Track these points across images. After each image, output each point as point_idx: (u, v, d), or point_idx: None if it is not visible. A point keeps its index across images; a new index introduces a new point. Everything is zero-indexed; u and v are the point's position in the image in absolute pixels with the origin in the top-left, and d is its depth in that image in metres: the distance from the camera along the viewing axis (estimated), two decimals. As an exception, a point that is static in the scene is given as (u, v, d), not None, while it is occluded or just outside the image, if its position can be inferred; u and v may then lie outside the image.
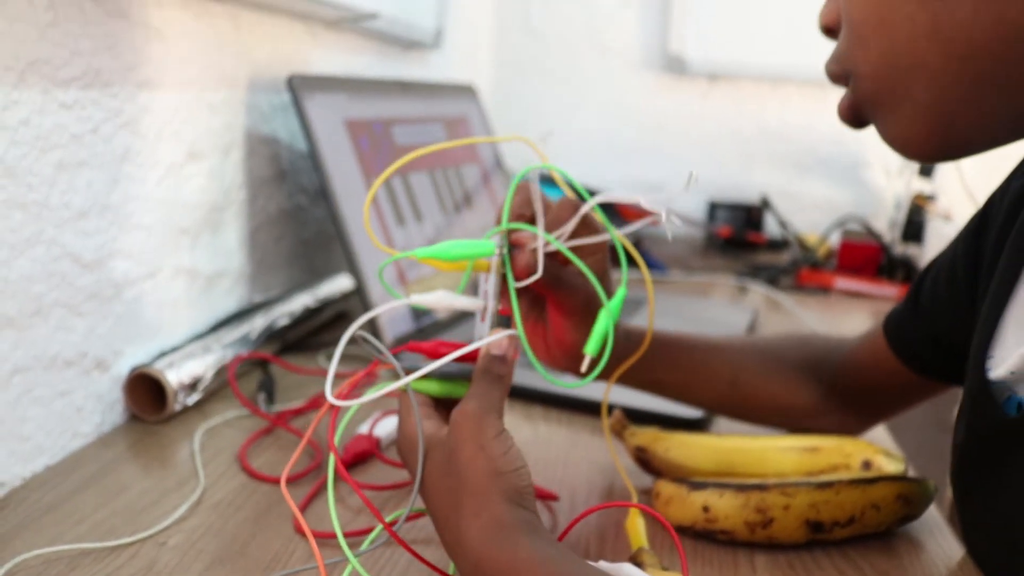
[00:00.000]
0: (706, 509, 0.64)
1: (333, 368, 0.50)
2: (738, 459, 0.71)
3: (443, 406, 0.55)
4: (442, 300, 0.56)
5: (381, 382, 0.53)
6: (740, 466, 0.71)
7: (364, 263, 0.92)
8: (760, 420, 0.79)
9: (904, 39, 0.48)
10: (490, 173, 1.27)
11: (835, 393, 0.78)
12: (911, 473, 0.72)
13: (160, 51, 0.79)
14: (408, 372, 0.51)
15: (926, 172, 1.58)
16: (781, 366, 0.78)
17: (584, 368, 0.59)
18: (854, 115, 0.54)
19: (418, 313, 0.99)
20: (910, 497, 0.66)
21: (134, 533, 0.59)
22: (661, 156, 1.84)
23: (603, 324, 0.58)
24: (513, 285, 0.56)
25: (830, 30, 0.54)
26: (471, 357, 0.53)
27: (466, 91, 1.31)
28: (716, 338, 0.79)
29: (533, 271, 0.57)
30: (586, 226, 0.60)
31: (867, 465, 0.71)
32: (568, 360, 0.65)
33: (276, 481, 0.67)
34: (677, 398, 0.76)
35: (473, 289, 0.60)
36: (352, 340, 0.53)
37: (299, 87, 0.92)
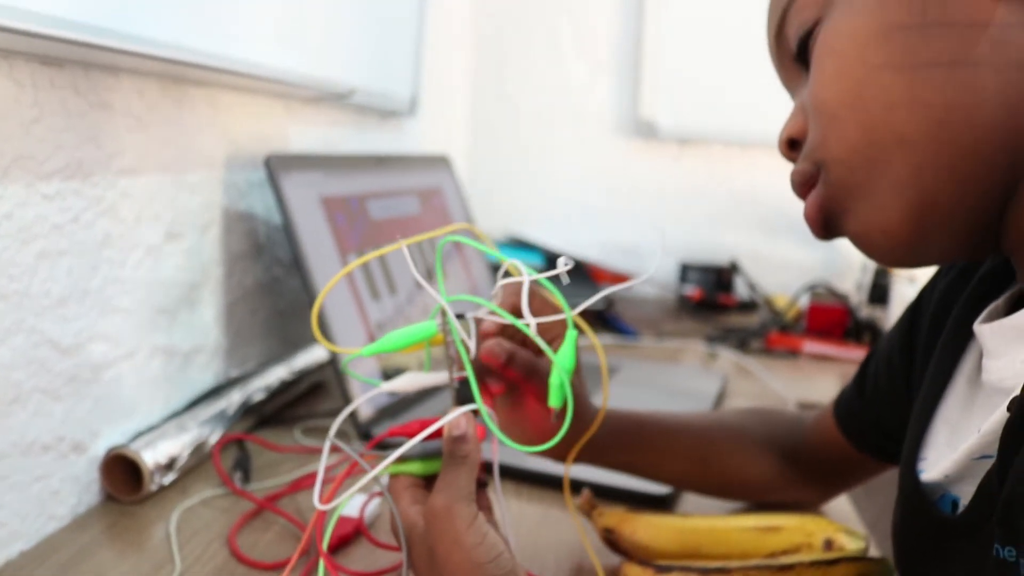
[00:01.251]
0: (671, 593, 0.65)
1: (321, 472, 0.51)
2: (703, 540, 0.73)
3: (429, 482, 0.56)
4: (411, 382, 0.58)
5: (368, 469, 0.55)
6: (705, 547, 0.73)
7: (337, 334, 0.94)
8: (728, 495, 0.82)
9: (880, 110, 0.46)
10: (463, 243, 1.29)
11: (795, 468, 0.80)
12: (873, 549, 0.74)
13: (141, 138, 0.81)
14: (387, 464, 0.53)
15: (891, 236, 1.62)
16: (746, 443, 0.80)
17: (554, 419, 0.59)
18: (824, 216, 0.52)
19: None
20: (870, 576, 0.68)
21: (109, 624, 0.60)
22: (634, 219, 1.87)
23: (556, 376, 0.58)
24: (467, 359, 0.57)
25: (794, 142, 0.54)
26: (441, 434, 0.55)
27: (440, 162, 1.34)
28: (685, 416, 0.81)
29: (496, 357, 0.61)
30: (547, 306, 0.63)
31: (829, 544, 0.73)
32: (544, 443, 0.65)
33: (263, 567, 0.68)
34: (649, 476, 0.79)
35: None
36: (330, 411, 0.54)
37: (276, 167, 0.94)
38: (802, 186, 0.53)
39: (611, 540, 0.73)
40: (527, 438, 0.68)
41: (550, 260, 1.65)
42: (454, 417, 0.53)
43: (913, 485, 0.54)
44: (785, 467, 0.80)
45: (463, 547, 0.49)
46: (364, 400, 0.84)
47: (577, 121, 1.88)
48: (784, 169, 1.80)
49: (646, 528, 0.73)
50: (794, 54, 0.53)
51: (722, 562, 0.68)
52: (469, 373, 0.57)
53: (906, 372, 0.67)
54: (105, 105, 0.76)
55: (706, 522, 0.75)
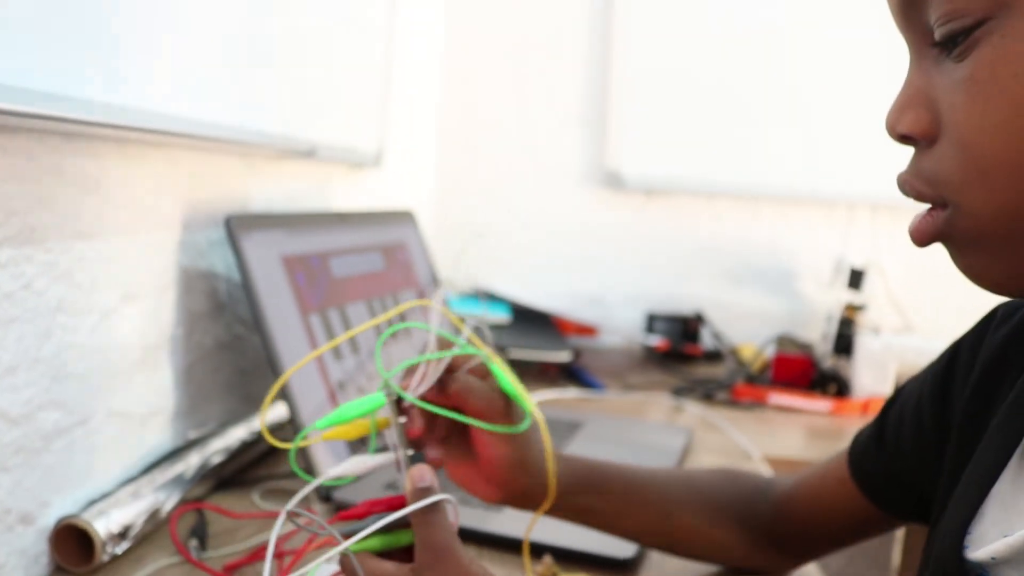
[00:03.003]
0: (631, 666, 0.64)
1: (271, 547, 0.51)
2: (665, 608, 0.72)
3: (388, 558, 0.55)
4: (357, 465, 0.59)
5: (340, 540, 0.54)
6: (667, 615, 0.72)
7: (298, 395, 0.93)
8: (691, 554, 0.80)
9: None
10: (428, 296, 1.29)
11: (765, 532, 0.78)
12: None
13: (96, 201, 0.80)
14: (345, 538, 0.53)
15: (855, 285, 1.63)
16: (714, 504, 0.78)
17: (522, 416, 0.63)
18: (932, 241, 0.47)
19: (354, 450, 0.99)
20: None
21: None
22: (600, 269, 1.88)
23: (497, 373, 0.62)
24: (398, 422, 0.59)
25: (910, 139, 0.47)
26: (399, 504, 0.55)
27: (404, 216, 1.34)
28: (650, 469, 0.79)
29: (424, 428, 0.61)
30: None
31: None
32: (503, 484, 0.66)
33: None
34: (608, 529, 0.76)
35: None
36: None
37: (236, 227, 0.94)
38: (915, 198, 0.47)
39: (572, 608, 0.73)
40: (485, 485, 0.67)
41: (518, 312, 1.65)
42: (416, 469, 0.55)
43: (956, 562, 0.51)
44: (754, 533, 0.78)
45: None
46: (308, 489, 0.83)
47: (544, 172, 1.89)
48: (748, 221, 1.82)
49: (607, 597, 0.72)
50: (932, 37, 0.45)
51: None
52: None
53: (939, 426, 0.63)
54: (59, 170, 0.75)
55: (668, 589, 0.74)
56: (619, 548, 0.84)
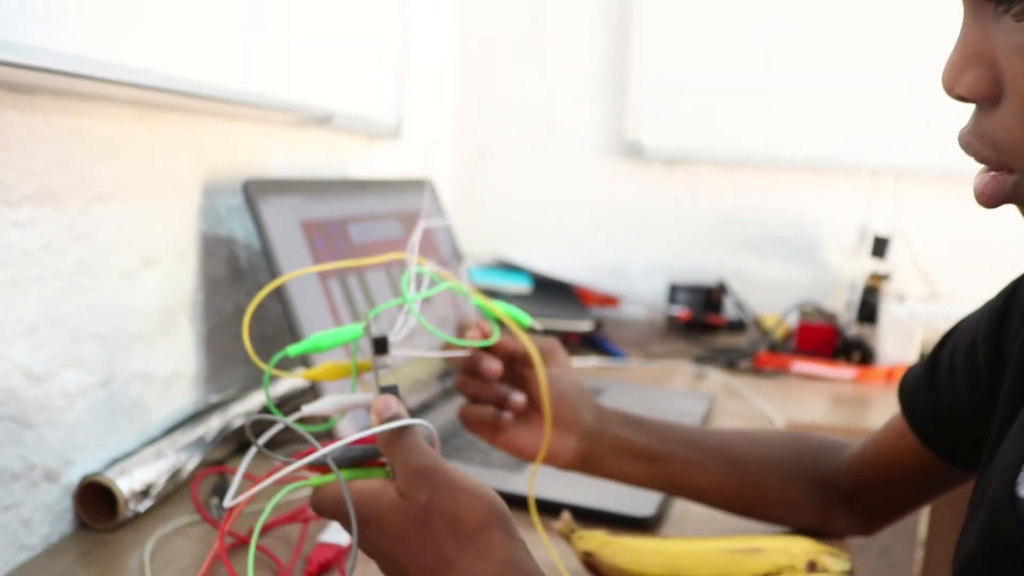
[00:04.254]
0: (649, 617, 0.64)
1: (239, 475, 0.51)
2: (683, 563, 0.72)
3: None
4: (335, 402, 0.58)
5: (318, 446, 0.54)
6: (685, 570, 0.72)
7: (318, 361, 0.93)
8: (763, 516, 0.80)
9: None
10: (448, 265, 1.29)
11: (839, 494, 0.77)
12: (860, 573, 0.73)
13: (114, 165, 0.81)
14: (316, 470, 0.52)
15: (879, 253, 1.62)
16: (785, 462, 0.78)
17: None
18: (999, 204, 0.45)
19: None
20: (853, 598, 0.67)
21: (75, 655, 0.59)
22: (621, 240, 1.87)
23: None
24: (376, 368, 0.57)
25: (967, 100, 0.45)
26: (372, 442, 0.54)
27: (422, 185, 1.34)
28: (717, 430, 0.81)
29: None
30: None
31: (812, 566, 0.72)
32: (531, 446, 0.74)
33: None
34: (675, 491, 0.79)
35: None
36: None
37: (254, 192, 0.94)
38: (978, 160, 0.46)
39: (590, 564, 0.73)
40: (515, 444, 0.74)
41: (538, 283, 1.64)
42: (380, 400, 0.53)
43: (1008, 500, 0.50)
44: (826, 492, 0.78)
45: (467, 490, 0.48)
46: (280, 426, 0.82)
47: (563, 142, 1.88)
48: (770, 190, 1.79)
49: (626, 551, 0.72)
50: None
51: (700, 584, 0.67)
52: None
53: (992, 368, 0.62)
54: (77, 132, 0.75)
55: (687, 545, 0.74)
56: (639, 506, 0.84)
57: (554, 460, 0.75)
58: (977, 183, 0.45)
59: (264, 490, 0.51)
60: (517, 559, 0.47)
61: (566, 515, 0.75)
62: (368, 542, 0.50)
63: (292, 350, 0.59)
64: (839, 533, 0.80)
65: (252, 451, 0.55)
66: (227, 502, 0.51)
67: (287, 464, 0.52)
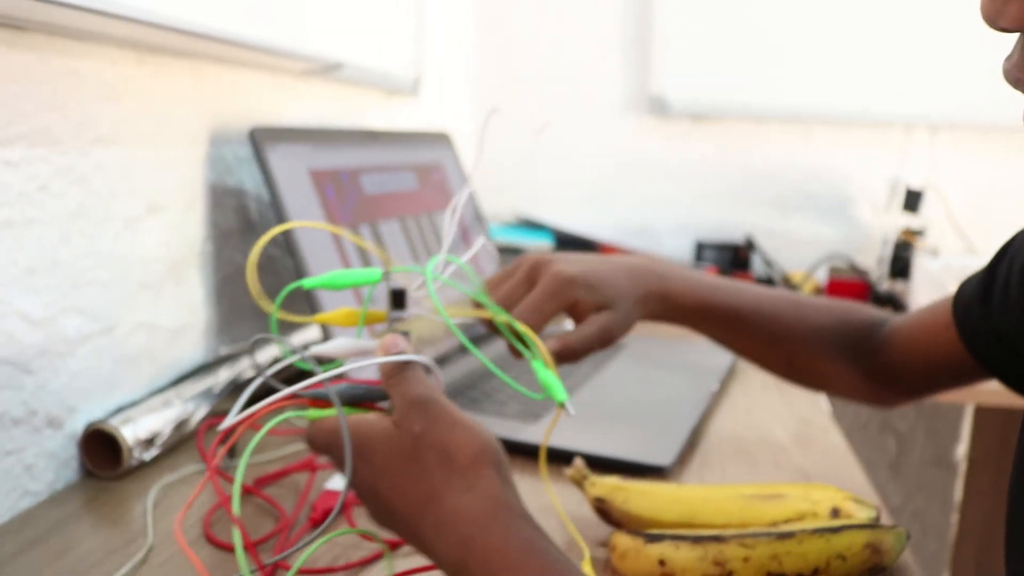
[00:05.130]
0: (662, 563, 0.62)
1: (237, 406, 0.49)
2: (699, 509, 0.70)
3: None
4: (345, 345, 0.56)
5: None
6: (701, 516, 0.69)
7: (327, 306, 0.92)
8: (806, 385, 0.85)
9: None
10: (465, 219, 1.27)
11: (876, 369, 0.79)
12: (887, 516, 0.70)
13: (114, 108, 0.79)
14: (314, 403, 0.51)
15: (912, 207, 1.57)
16: (828, 339, 0.80)
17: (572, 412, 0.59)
18: None
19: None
20: (879, 546, 0.64)
21: (70, 598, 0.58)
22: (646, 198, 1.83)
23: (542, 374, 0.58)
24: (434, 294, 0.55)
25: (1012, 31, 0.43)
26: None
27: (440, 138, 1.31)
28: (759, 298, 0.82)
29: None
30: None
31: (835, 513, 0.69)
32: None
33: (230, 548, 0.65)
34: (721, 346, 0.84)
35: None
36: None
37: (261, 139, 0.92)
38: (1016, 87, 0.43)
39: (603, 510, 0.70)
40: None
41: (561, 240, 1.61)
42: (388, 338, 0.52)
43: None
44: (865, 368, 0.79)
45: (464, 425, 0.47)
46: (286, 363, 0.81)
47: (586, 99, 1.84)
48: (799, 145, 1.75)
49: (639, 497, 0.70)
50: None
51: (718, 531, 0.65)
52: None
53: None
54: (73, 73, 0.73)
55: (703, 491, 0.71)
56: (656, 455, 0.82)
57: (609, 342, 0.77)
58: None
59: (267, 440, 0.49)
60: (506, 498, 0.46)
61: (578, 461, 0.73)
62: (357, 477, 0.48)
63: (307, 283, 0.57)
64: (864, 401, 0.83)
65: (257, 380, 0.53)
66: (223, 425, 0.49)
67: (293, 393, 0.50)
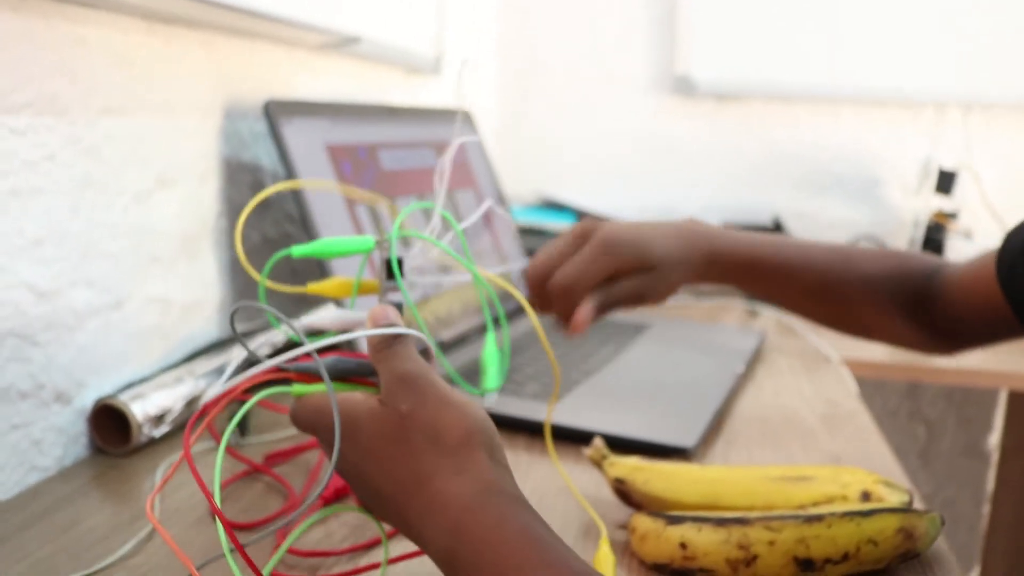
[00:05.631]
0: (683, 546, 0.59)
1: (229, 371, 0.47)
2: (723, 491, 0.67)
3: None
4: (335, 316, 0.54)
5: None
6: (726, 498, 0.67)
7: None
8: (861, 336, 0.86)
9: None
10: (485, 198, 1.24)
11: (928, 316, 0.79)
12: (918, 503, 0.67)
13: (124, 78, 0.77)
14: (302, 377, 0.49)
15: (945, 189, 1.53)
16: (881, 292, 0.80)
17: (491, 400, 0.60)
18: None
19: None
20: (912, 531, 0.61)
21: (75, 571, 0.56)
22: (671, 179, 1.80)
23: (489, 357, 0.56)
24: (402, 285, 0.53)
25: None
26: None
27: (460, 116, 1.29)
28: (809, 252, 0.82)
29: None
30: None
31: (866, 496, 0.67)
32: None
33: (236, 526, 0.63)
34: (768, 301, 0.86)
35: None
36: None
37: (276, 112, 0.90)
38: None
39: (622, 491, 0.68)
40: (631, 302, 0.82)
41: (583, 222, 1.59)
42: (378, 309, 0.49)
43: None
44: (920, 319, 0.79)
45: (454, 404, 0.44)
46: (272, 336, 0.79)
47: (610, 78, 1.81)
48: (827, 126, 1.71)
49: (660, 478, 0.67)
50: None
51: (742, 513, 0.62)
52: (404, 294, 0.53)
53: None
54: (80, 40, 0.72)
55: (727, 472, 0.69)
56: (679, 436, 0.79)
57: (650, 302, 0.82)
58: None
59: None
60: (498, 482, 0.43)
61: (597, 441, 0.70)
62: (341, 458, 0.46)
63: (296, 251, 0.54)
64: (919, 349, 0.84)
65: (240, 354, 0.51)
66: (204, 398, 0.47)
67: (278, 366, 0.47)
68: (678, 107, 1.79)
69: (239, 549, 0.41)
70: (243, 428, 0.79)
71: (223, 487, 0.69)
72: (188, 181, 0.87)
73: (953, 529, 1.89)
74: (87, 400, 0.74)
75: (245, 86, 0.96)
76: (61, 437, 0.72)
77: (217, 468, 0.44)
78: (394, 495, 0.44)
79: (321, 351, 0.45)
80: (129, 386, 0.77)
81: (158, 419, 0.76)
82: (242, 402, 0.85)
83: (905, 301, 0.78)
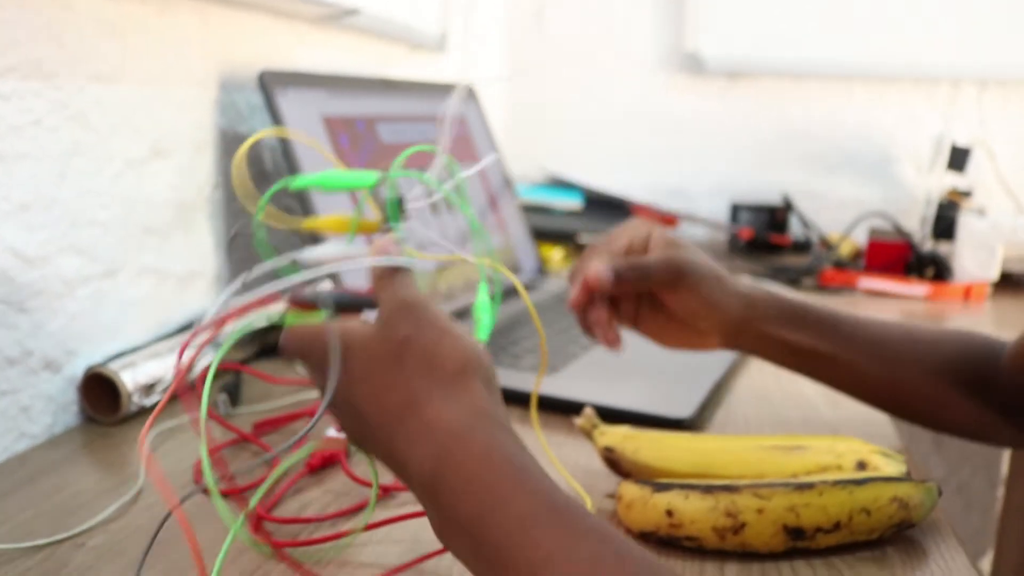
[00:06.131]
0: (670, 513, 0.58)
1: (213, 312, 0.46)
2: (715, 460, 0.66)
3: None
4: (336, 250, 0.52)
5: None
6: (718, 467, 0.66)
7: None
8: (922, 423, 0.74)
9: None
10: (489, 174, 1.23)
11: (994, 399, 0.70)
12: (925, 478, 0.66)
13: (115, 45, 0.77)
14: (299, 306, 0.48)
15: (958, 166, 1.50)
16: (947, 370, 0.71)
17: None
18: None
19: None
20: (907, 501, 0.60)
21: (55, 534, 0.56)
22: (680, 158, 1.78)
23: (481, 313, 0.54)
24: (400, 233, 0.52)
25: None
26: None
27: (463, 91, 1.28)
28: (866, 318, 0.73)
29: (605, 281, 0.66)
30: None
31: (862, 466, 0.65)
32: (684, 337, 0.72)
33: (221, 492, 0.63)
34: (815, 375, 0.73)
35: None
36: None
37: (271, 83, 0.89)
38: None
39: (612, 460, 0.67)
40: (680, 338, 0.72)
41: (591, 201, 1.57)
42: (382, 241, 0.49)
43: None
44: (988, 403, 0.70)
45: (453, 333, 0.44)
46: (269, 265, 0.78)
47: (618, 56, 1.79)
48: (839, 103, 1.68)
49: (650, 446, 0.66)
50: None
51: (731, 481, 0.61)
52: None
53: None
54: (68, 6, 0.71)
55: (720, 441, 0.68)
56: (675, 407, 0.78)
57: (696, 348, 0.74)
58: None
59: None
60: (492, 411, 0.42)
61: (588, 410, 0.69)
62: (322, 384, 0.46)
63: (296, 183, 0.54)
64: (995, 441, 0.74)
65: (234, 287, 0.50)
66: (202, 322, 0.46)
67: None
68: (687, 85, 1.77)
69: (231, 490, 0.41)
70: (234, 398, 0.79)
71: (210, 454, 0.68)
72: (183, 152, 0.87)
73: (967, 513, 1.87)
74: (78, 368, 0.74)
75: (242, 59, 0.95)
76: (50, 405, 0.72)
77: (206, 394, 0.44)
78: (383, 423, 0.43)
79: (314, 282, 0.45)
80: (121, 355, 0.76)
81: (149, 388, 0.75)
82: (235, 372, 0.85)
83: (973, 383, 0.70)
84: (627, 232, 0.72)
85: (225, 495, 0.62)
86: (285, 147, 0.89)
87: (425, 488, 0.41)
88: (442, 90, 1.22)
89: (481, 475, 0.39)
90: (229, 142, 0.94)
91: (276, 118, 0.89)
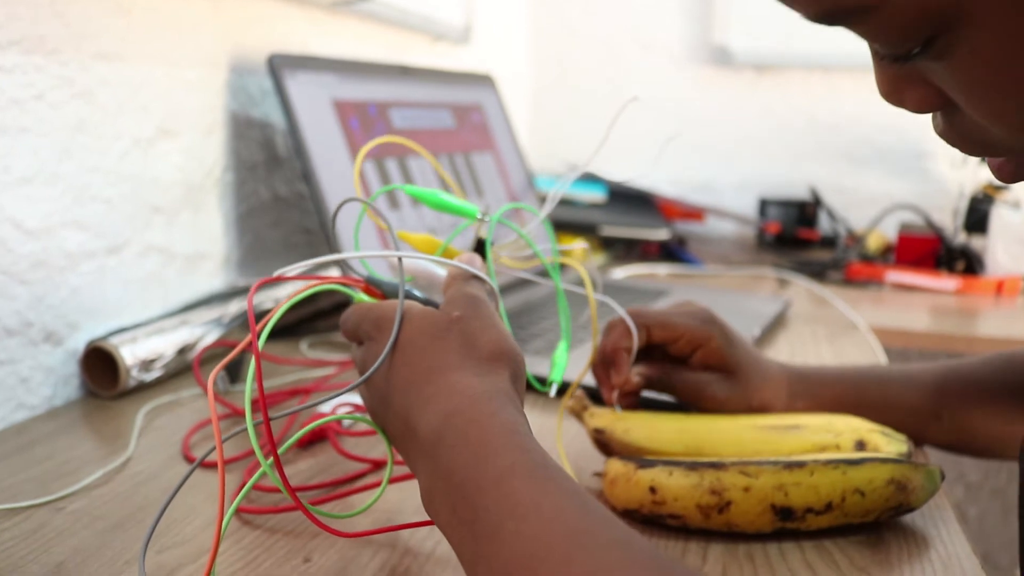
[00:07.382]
0: (653, 490, 0.57)
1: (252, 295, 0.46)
2: (708, 439, 0.65)
3: None
4: (425, 266, 0.54)
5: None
6: (709, 447, 0.64)
7: (348, 242, 0.89)
8: (979, 454, 0.72)
9: None
10: (506, 164, 1.23)
11: None
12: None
13: (121, 23, 0.78)
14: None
15: (993, 160, 1.46)
16: (988, 395, 0.69)
17: (552, 392, 0.59)
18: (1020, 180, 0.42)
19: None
20: (905, 483, 0.58)
21: (36, 497, 0.56)
22: (708, 153, 1.76)
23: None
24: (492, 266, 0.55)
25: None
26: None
27: (483, 80, 1.27)
28: (911, 368, 0.72)
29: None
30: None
31: (860, 446, 0.64)
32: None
33: (204, 464, 0.63)
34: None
35: None
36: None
37: (280, 66, 0.90)
38: (1008, 175, 0.41)
39: (602, 442, 0.66)
40: (707, 398, 0.69)
41: (615, 194, 1.56)
42: (468, 255, 0.53)
43: None
44: None
45: (500, 328, 0.48)
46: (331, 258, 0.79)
47: (644, 48, 1.78)
48: (869, 96, 1.64)
49: (641, 427, 0.65)
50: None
51: (719, 458, 0.60)
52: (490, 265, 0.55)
53: None
54: (72, -18, 0.72)
55: (713, 421, 0.66)
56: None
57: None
58: (991, 167, 0.41)
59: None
60: (512, 395, 0.45)
61: (579, 392, 0.68)
62: (373, 350, 0.48)
63: (408, 189, 0.57)
64: None
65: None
66: (276, 274, 0.51)
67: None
68: (715, 77, 1.75)
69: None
70: (233, 375, 0.79)
71: (195, 430, 0.69)
72: (192, 133, 0.87)
73: (1003, 519, 1.82)
74: (80, 342, 0.75)
75: (252, 42, 0.96)
76: (51, 377, 0.73)
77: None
78: (409, 383, 0.46)
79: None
80: (124, 331, 0.77)
81: (148, 363, 0.76)
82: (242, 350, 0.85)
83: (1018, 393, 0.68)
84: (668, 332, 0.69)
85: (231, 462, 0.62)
86: (292, 127, 0.89)
87: (426, 447, 0.43)
88: (462, 78, 1.22)
89: (481, 433, 0.41)
90: (241, 125, 0.94)
91: (284, 101, 0.89)
